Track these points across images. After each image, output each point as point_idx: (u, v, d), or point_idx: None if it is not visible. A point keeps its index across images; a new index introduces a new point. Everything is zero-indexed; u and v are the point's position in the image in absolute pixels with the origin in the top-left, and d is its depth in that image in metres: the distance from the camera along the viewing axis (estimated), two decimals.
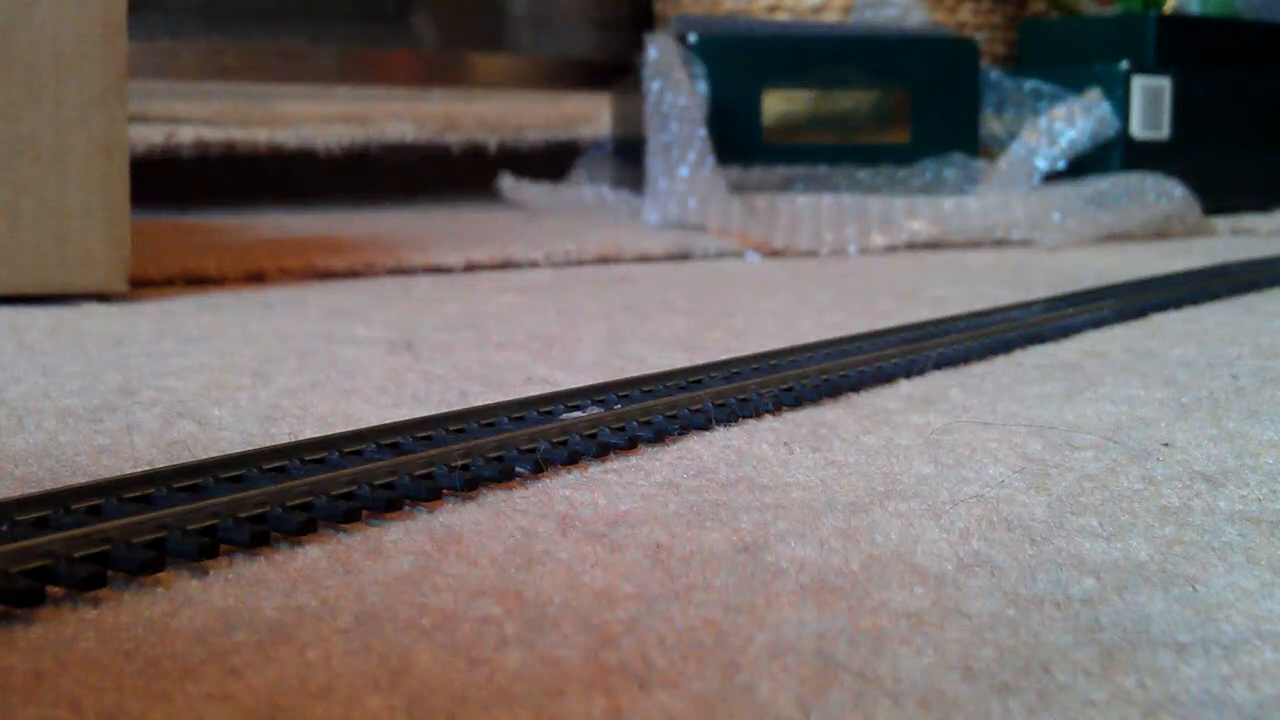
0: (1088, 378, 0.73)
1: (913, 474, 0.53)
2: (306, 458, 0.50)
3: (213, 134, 1.87)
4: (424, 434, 0.54)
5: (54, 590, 0.39)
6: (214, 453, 0.55)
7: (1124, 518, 0.47)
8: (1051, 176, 1.71)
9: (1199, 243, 1.60)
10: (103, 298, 1.00)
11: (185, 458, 0.54)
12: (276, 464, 0.49)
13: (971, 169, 1.74)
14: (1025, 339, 0.82)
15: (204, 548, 0.41)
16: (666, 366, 0.73)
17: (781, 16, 2.06)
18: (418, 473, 0.49)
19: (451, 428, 0.55)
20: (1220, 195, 1.86)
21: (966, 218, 1.57)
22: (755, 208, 1.59)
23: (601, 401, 0.61)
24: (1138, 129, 1.82)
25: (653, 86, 1.66)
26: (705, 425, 0.60)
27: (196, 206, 1.88)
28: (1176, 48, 1.89)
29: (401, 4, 2.22)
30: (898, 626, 0.37)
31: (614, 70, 2.04)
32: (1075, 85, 1.79)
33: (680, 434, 0.59)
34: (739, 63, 1.75)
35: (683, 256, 1.40)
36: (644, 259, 1.37)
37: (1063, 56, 1.95)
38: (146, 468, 0.49)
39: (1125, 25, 1.92)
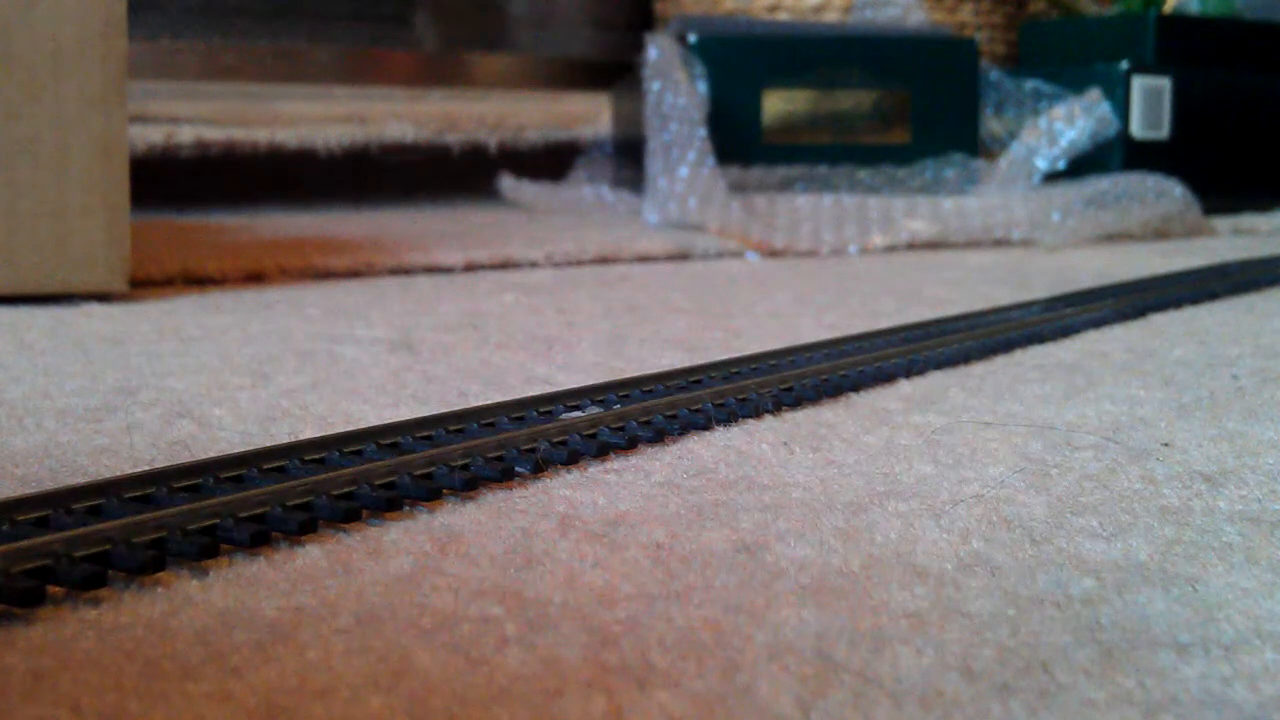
0: (1088, 378, 0.73)
1: (913, 474, 0.53)
2: (306, 458, 0.50)
3: (213, 134, 1.87)
4: (424, 434, 0.54)
5: (54, 590, 0.39)
6: (214, 453, 0.55)
7: (1124, 518, 0.47)
8: (1051, 176, 1.71)
9: (1199, 243, 1.60)
10: (103, 298, 1.00)
11: (185, 458, 0.54)
12: (276, 464, 0.49)
13: (971, 169, 1.74)
14: (1025, 339, 0.82)
15: (204, 548, 0.41)
16: (666, 366, 0.73)
17: (781, 16, 2.06)
18: (418, 473, 0.49)
19: (451, 428, 0.55)
20: (1220, 195, 1.86)
21: (966, 218, 1.57)
22: (755, 208, 1.59)
23: (601, 401, 0.61)
24: (1138, 129, 1.83)
25: (653, 86, 1.66)
26: (705, 425, 0.60)
27: (196, 206, 1.88)
28: (1176, 48, 1.89)
29: (401, 4, 2.22)
30: (898, 626, 0.37)
31: (614, 70, 2.04)
32: (1075, 85, 1.79)
33: (680, 434, 0.59)
34: (739, 63, 1.75)
35: (683, 256, 1.40)
36: (644, 259, 1.37)
37: (1063, 56, 1.95)
38: (146, 468, 0.49)
39: (1125, 25, 1.92)
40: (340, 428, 0.59)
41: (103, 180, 0.99)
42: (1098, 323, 0.90)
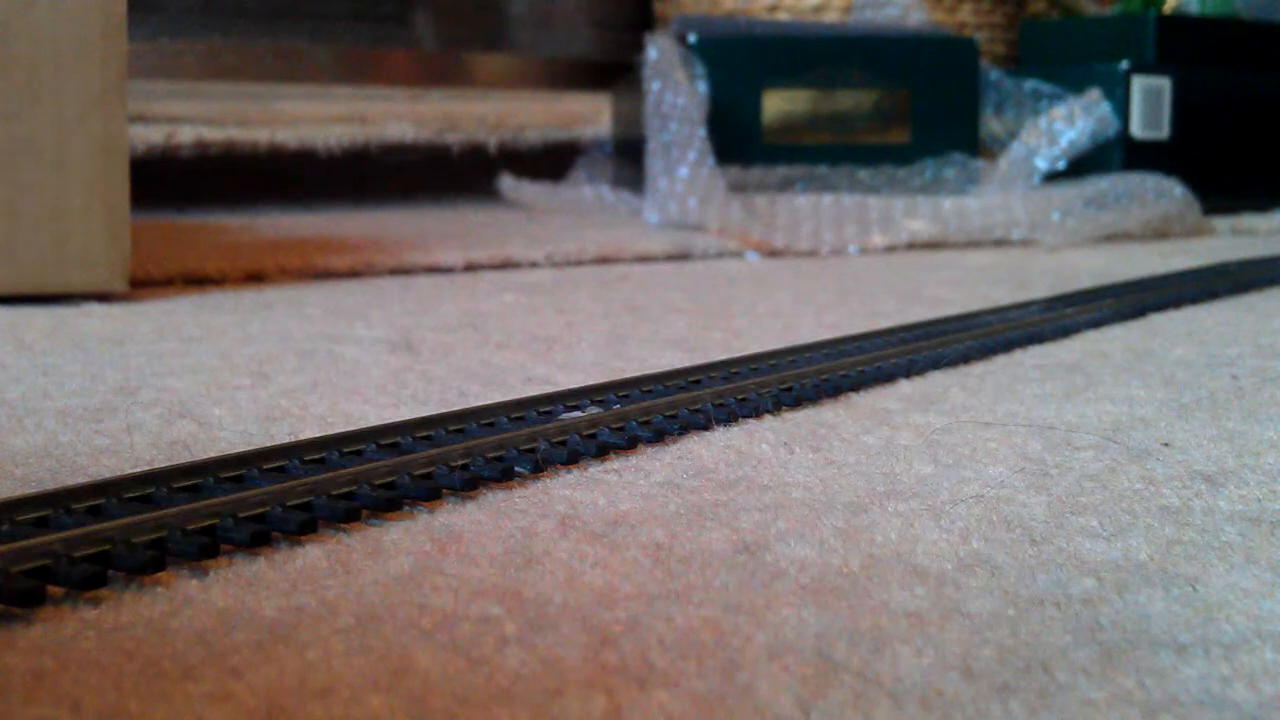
0: (1088, 378, 0.73)
1: (913, 474, 0.53)
2: (306, 458, 0.50)
3: (213, 134, 1.87)
4: (424, 434, 0.54)
5: (54, 590, 0.39)
6: (214, 453, 0.55)
7: (1124, 518, 0.47)
8: (1051, 176, 1.71)
9: (1199, 243, 1.60)
10: (103, 298, 1.00)
11: (185, 458, 0.54)
12: (276, 464, 0.49)
13: (971, 169, 1.74)
14: (1025, 339, 0.82)
15: (204, 548, 0.41)
16: (666, 366, 0.73)
17: (781, 16, 2.07)
18: (418, 473, 0.49)
19: (451, 428, 0.55)
20: (1220, 195, 1.86)
21: (966, 218, 1.57)
22: (755, 208, 1.59)
23: (601, 401, 0.61)
24: (1138, 129, 1.82)
25: (653, 86, 1.66)
26: (705, 425, 0.60)
27: (196, 206, 1.88)
28: (1176, 48, 1.89)
29: (401, 4, 2.22)
30: (898, 626, 0.37)
31: (614, 70, 2.04)
32: (1075, 85, 1.79)
33: (680, 434, 0.59)
34: (739, 63, 1.75)
35: (683, 256, 1.40)
36: (644, 259, 1.37)
37: (1063, 56, 1.95)
38: (146, 468, 0.49)
39: (1125, 25, 1.92)
40: (340, 428, 0.59)
41: (103, 180, 0.99)
42: (1098, 323, 0.90)
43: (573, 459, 0.54)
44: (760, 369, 0.69)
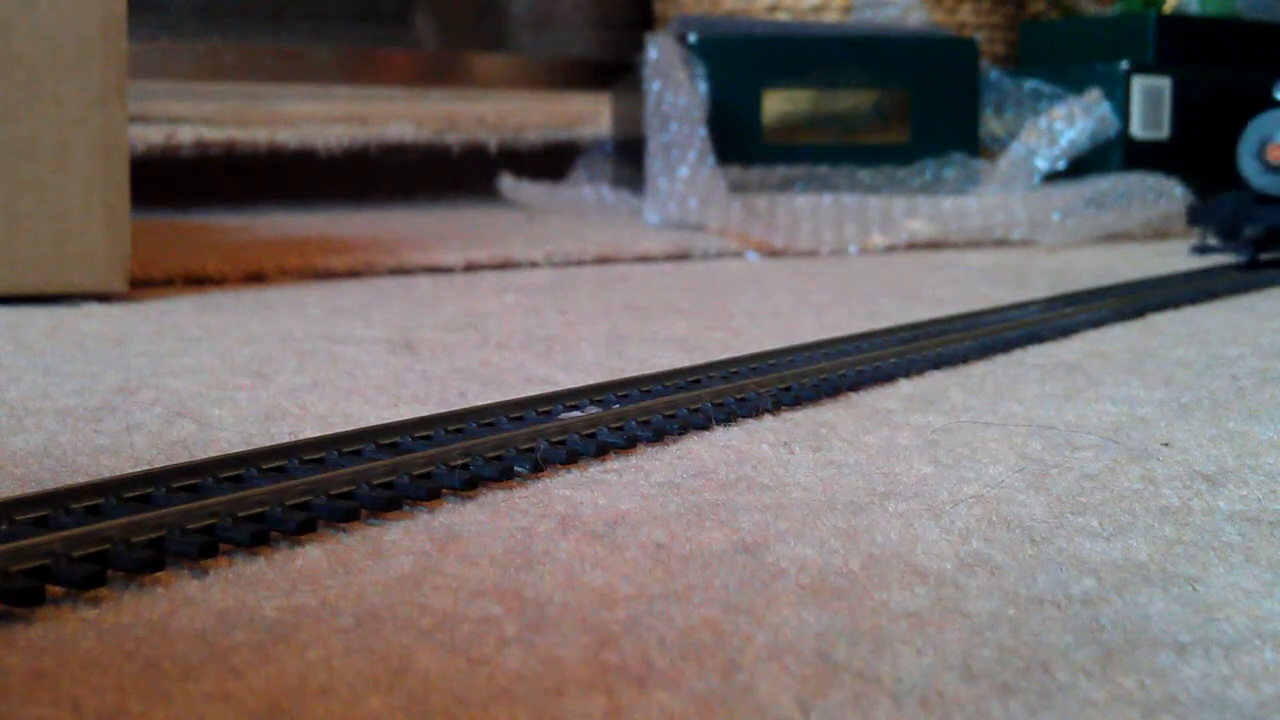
0: (1088, 378, 0.73)
1: (913, 474, 0.53)
2: (306, 458, 0.50)
3: (213, 134, 1.87)
4: (423, 434, 0.54)
5: (54, 590, 0.39)
6: (214, 453, 0.55)
7: (1124, 518, 0.47)
8: (1051, 176, 1.71)
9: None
10: (103, 298, 1.00)
11: (185, 458, 0.54)
12: (276, 464, 0.49)
13: (971, 169, 1.74)
14: (1025, 339, 0.82)
15: (204, 548, 0.41)
16: (666, 366, 0.72)
17: (781, 16, 2.07)
18: (417, 473, 0.49)
19: (451, 428, 0.55)
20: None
21: (966, 218, 1.57)
22: (755, 208, 1.59)
23: (600, 401, 0.61)
24: (1138, 129, 1.82)
25: (653, 86, 1.66)
26: (705, 425, 0.60)
27: (196, 206, 1.88)
28: (1176, 48, 1.89)
29: (401, 4, 2.22)
30: (898, 626, 0.37)
31: (614, 70, 2.04)
32: (1075, 85, 1.79)
33: (680, 434, 0.59)
34: (739, 63, 1.75)
35: (683, 256, 1.40)
36: (644, 259, 1.37)
37: (1063, 56, 1.95)
38: (146, 468, 0.49)
39: (1125, 25, 1.92)
40: (340, 428, 0.59)
41: (103, 180, 0.99)
42: (1098, 323, 0.90)
43: (572, 459, 0.54)
44: (760, 369, 0.69)
